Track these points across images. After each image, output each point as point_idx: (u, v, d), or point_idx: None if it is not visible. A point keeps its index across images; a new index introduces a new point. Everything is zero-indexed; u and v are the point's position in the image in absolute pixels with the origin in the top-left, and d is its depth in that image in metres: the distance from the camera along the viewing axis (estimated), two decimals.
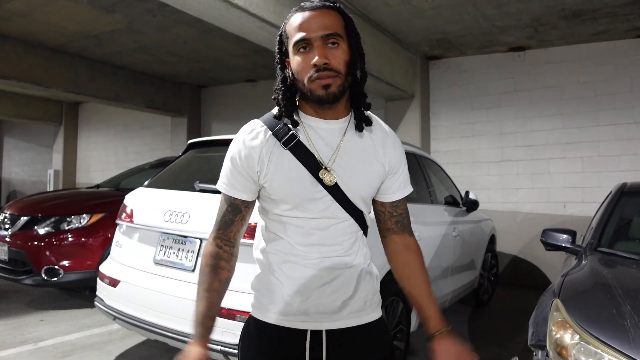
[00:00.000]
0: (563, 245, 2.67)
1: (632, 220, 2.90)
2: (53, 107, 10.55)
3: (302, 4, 1.08)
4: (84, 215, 4.32)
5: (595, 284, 1.98)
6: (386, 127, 1.21)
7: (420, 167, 3.79)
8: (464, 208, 4.26)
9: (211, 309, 1.12)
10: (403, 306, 2.83)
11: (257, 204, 1.18)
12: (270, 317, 1.12)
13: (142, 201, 2.92)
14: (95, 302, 2.88)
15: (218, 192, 2.66)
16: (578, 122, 5.67)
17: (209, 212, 2.55)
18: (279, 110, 1.11)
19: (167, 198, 2.81)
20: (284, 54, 1.11)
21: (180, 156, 3.32)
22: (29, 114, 10.13)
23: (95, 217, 4.32)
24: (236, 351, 2.19)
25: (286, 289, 1.11)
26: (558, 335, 1.69)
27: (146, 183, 3.16)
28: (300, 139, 1.08)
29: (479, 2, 4.65)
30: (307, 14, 1.04)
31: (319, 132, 1.10)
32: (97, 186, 5.74)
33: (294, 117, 1.10)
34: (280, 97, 1.09)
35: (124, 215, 2.92)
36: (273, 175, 1.07)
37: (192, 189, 2.72)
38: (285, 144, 1.07)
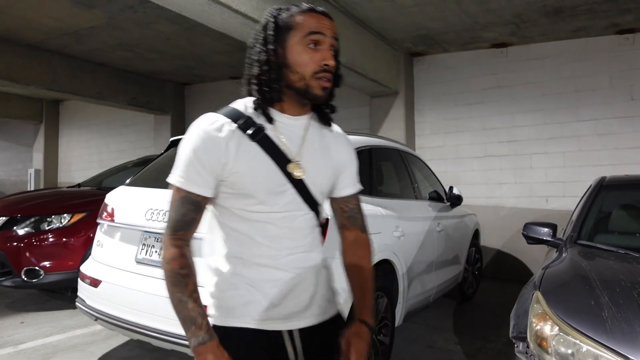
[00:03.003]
0: (544, 238, 2.69)
1: (610, 213, 2.95)
2: (33, 105, 10.34)
3: (310, 5, 1.10)
4: (65, 215, 4.24)
5: (574, 276, 2.01)
6: (337, 126, 1.25)
7: (404, 163, 3.81)
8: (448, 203, 4.30)
9: (203, 308, 1.03)
10: (387, 301, 2.85)
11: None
12: (241, 321, 1.07)
13: (123, 200, 2.88)
14: (77, 303, 2.83)
15: None
16: (559, 117, 5.76)
17: None
18: (256, 100, 1.08)
19: (148, 196, 2.77)
20: (276, 40, 1.06)
21: (162, 154, 3.28)
22: (7, 113, 9.90)
23: (77, 217, 4.25)
24: None
25: (257, 294, 1.07)
26: (538, 327, 1.71)
27: (128, 181, 3.12)
28: (267, 132, 1.08)
29: None
30: (321, 16, 1.08)
31: (285, 126, 1.11)
32: (79, 185, 5.65)
33: (266, 111, 1.08)
34: (263, 86, 1.06)
35: (105, 214, 2.88)
36: (240, 168, 1.04)
37: None
38: (252, 137, 1.06)
